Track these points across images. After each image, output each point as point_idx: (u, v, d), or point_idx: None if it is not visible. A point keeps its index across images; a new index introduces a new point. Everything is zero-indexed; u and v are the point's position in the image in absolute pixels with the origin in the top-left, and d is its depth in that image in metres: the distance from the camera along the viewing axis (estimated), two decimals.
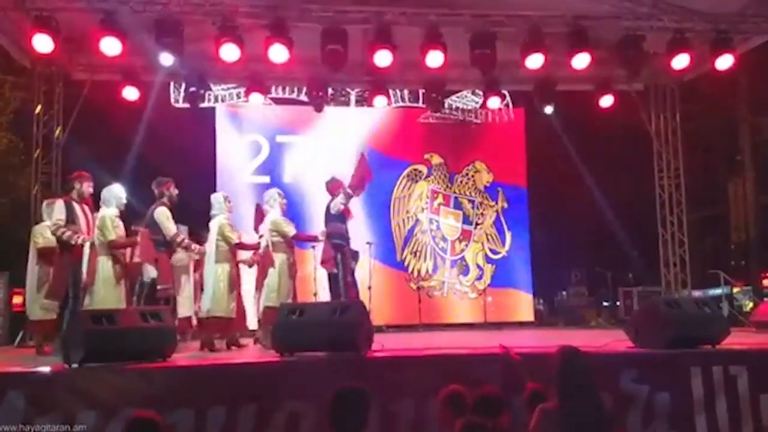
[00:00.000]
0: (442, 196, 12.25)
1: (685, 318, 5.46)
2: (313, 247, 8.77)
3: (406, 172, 12.14)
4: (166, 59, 8.65)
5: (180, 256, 7.16)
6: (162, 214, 6.80)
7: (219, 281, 6.93)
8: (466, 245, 12.20)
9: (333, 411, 3.10)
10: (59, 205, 6.70)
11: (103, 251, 6.62)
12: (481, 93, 11.72)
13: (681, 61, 9.25)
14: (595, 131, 13.78)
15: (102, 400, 4.42)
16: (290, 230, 7.17)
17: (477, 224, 12.29)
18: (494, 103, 11.20)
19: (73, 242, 6.59)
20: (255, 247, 7.34)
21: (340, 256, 7.34)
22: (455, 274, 12.08)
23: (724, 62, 9.16)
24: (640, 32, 9.01)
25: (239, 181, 11.38)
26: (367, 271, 9.83)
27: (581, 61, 9.01)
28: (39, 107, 10.00)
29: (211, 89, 11.25)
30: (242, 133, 11.76)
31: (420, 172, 12.21)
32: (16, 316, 10.10)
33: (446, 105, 11.96)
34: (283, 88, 11.67)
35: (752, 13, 9.12)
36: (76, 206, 6.73)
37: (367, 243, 10.20)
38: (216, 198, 7.26)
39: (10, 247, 11.48)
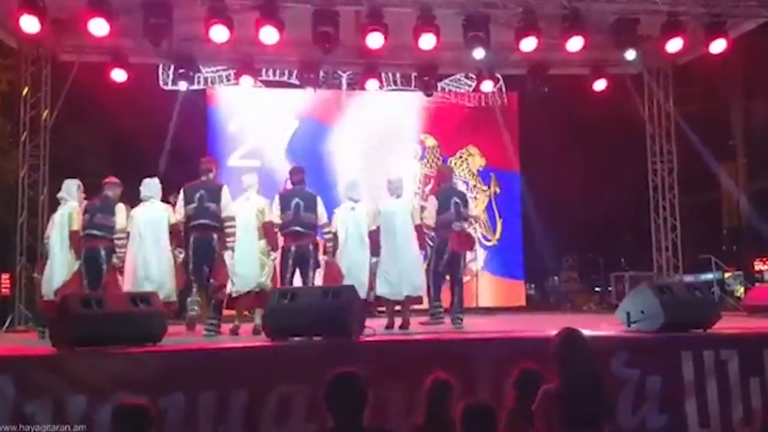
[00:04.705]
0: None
1: (676, 302, 5.47)
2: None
3: (402, 149, 12.12)
4: (156, 41, 8.53)
5: None
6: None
7: None
8: None
9: (329, 396, 3.06)
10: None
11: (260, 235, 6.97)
12: (474, 76, 11.64)
13: (675, 45, 9.21)
14: (589, 115, 13.75)
15: (92, 384, 4.38)
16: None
17: None
18: (487, 86, 11.14)
19: None
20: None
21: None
22: None
23: (718, 46, 9.14)
24: (634, 15, 8.96)
25: (229, 164, 11.30)
26: None
27: (575, 44, 8.96)
28: (26, 89, 9.86)
29: (200, 71, 11.11)
30: (232, 116, 11.66)
31: (415, 151, 12.19)
32: (4, 300, 10.05)
33: (439, 88, 11.88)
34: (274, 71, 11.55)
35: None
36: None
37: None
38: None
39: None
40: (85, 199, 7.15)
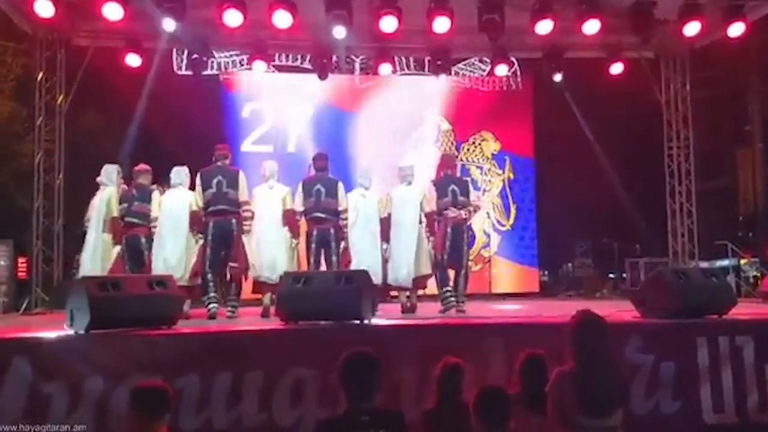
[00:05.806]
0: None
1: (692, 288, 5.41)
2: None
3: (416, 134, 12.09)
4: (169, 25, 8.53)
5: None
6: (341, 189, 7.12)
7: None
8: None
9: (344, 374, 3.07)
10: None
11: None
12: (488, 60, 11.55)
13: (692, 28, 9.09)
14: (605, 100, 13.56)
15: (109, 366, 4.42)
16: None
17: (485, 191, 12.25)
18: (502, 70, 11.04)
19: None
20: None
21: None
22: None
23: (736, 30, 9.01)
24: None
25: (242, 149, 11.31)
26: None
27: (591, 27, 8.86)
28: (41, 74, 9.89)
29: (214, 56, 11.11)
30: (246, 102, 11.66)
31: (432, 136, 12.16)
32: (21, 283, 10.16)
33: (453, 73, 11.80)
34: (287, 56, 11.52)
35: None
36: None
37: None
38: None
39: (14, 216, 11.51)
40: (124, 183, 7.26)
